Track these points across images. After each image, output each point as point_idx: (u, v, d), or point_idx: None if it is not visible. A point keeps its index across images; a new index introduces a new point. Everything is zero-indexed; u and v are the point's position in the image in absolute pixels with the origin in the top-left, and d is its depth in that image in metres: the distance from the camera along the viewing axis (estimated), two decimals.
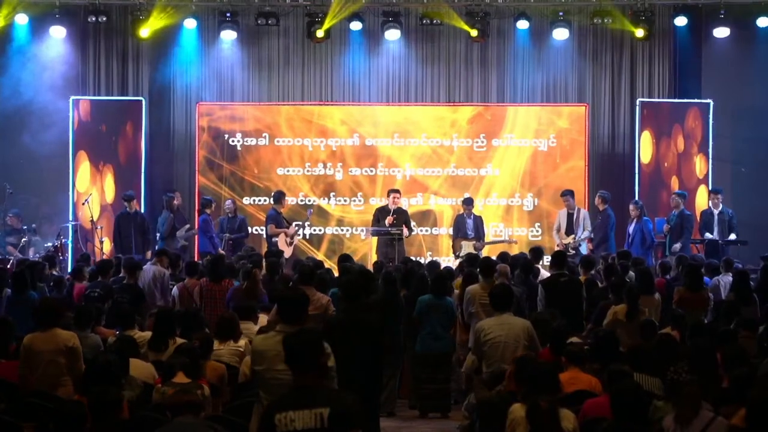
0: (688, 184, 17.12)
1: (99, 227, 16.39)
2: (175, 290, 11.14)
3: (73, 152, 16.93)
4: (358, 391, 5.64)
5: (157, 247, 14.64)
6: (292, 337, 5.14)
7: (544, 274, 12.57)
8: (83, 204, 16.52)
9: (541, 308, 10.70)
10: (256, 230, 17.02)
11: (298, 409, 4.80)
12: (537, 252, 13.19)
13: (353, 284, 8.59)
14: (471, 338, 9.97)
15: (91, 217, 16.19)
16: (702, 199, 16.99)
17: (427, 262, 15.40)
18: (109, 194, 17.15)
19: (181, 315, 9.47)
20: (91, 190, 16.91)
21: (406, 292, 10.72)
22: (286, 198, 16.69)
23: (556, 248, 15.29)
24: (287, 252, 15.15)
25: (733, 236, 15.80)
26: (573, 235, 15.66)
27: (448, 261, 16.00)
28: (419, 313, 10.31)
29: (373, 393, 7.77)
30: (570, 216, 15.83)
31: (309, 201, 17.33)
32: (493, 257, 12.91)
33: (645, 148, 17.19)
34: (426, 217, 17.46)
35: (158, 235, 15.84)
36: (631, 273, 11.67)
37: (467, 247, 15.69)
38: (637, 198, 16.55)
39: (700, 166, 17.20)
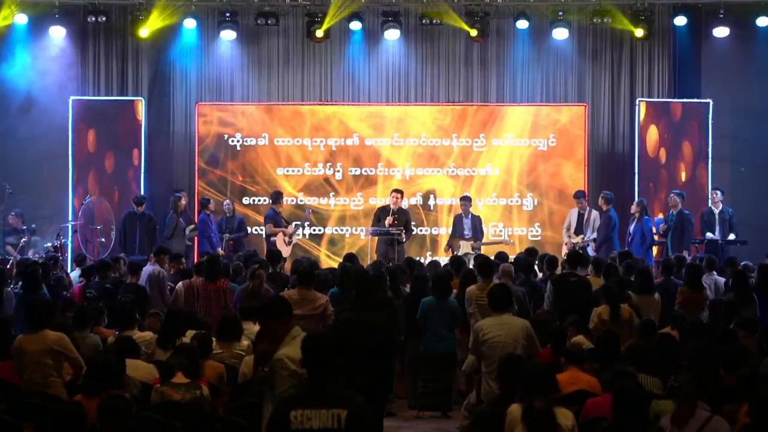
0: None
1: (99, 227, 16.41)
2: (180, 286, 11.10)
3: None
4: (366, 390, 5.64)
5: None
6: (312, 338, 5.13)
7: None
8: (83, 204, 16.54)
9: (548, 305, 10.70)
10: (256, 230, 17.03)
11: (315, 408, 4.80)
12: (531, 252, 13.28)
13: (364, 284, 8.62)
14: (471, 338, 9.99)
15: (85, 213, 16.33)
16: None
17: (427, 262, 15.44)
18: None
19: (188, 314, 9.50)
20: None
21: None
22: (285, 198, 16.71)
23: (565, 246, 15.72)
24: (285, 251, 15.15)
25: (732, 236, 15.81)
26: (582, 235, 15.88)
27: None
28: (422, 314, 10.29)
29: (381, 391, 7.78)
30: (581, 216, 16.18)
31: (308, 201, 17.32)
32: (492, 257, 12.94)
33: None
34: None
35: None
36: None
37: (465, 247, 15.70)
38: (637, 197, 16.59)
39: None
